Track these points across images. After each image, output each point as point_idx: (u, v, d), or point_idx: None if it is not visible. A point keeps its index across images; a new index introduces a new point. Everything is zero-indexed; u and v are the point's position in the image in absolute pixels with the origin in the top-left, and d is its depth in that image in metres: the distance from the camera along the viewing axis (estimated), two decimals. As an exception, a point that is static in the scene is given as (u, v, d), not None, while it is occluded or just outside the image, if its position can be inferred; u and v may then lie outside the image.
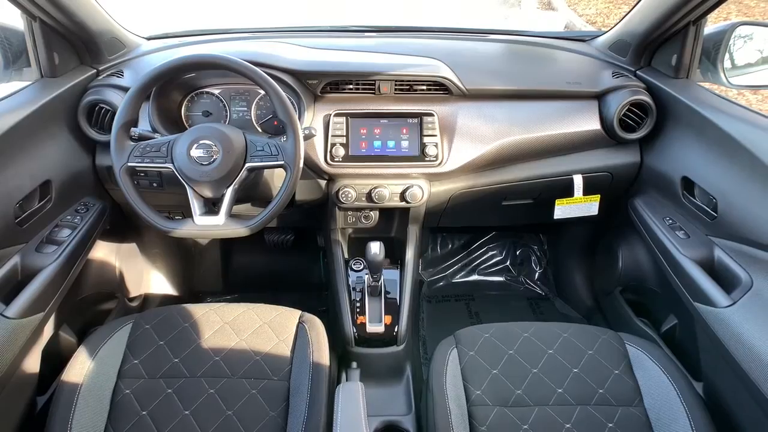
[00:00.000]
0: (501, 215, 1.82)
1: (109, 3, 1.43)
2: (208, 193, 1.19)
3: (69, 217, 1.32)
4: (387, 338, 1.45)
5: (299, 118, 1.35)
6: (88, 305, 1.52)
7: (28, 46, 1.31)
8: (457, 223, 1.99)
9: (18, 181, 1.15)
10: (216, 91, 1.46)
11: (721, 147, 1.19)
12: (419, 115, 1.41)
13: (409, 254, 1.57)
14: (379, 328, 1.44)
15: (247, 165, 1.18)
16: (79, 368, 1.11)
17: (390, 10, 5.79)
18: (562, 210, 1.56)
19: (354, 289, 1.52)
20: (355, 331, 1.44)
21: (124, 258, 1.67)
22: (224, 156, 1.15)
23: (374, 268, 1.40)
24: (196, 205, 1.20)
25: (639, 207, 1.45)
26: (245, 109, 1.46)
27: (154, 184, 1.40)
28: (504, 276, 2.25)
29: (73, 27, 1.32)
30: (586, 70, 1.54)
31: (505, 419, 1.05)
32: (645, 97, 1.40)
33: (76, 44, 1.40)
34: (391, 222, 1.67)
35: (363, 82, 1.44)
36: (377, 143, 1.41)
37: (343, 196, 1.43)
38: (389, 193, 1.43)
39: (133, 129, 1.20)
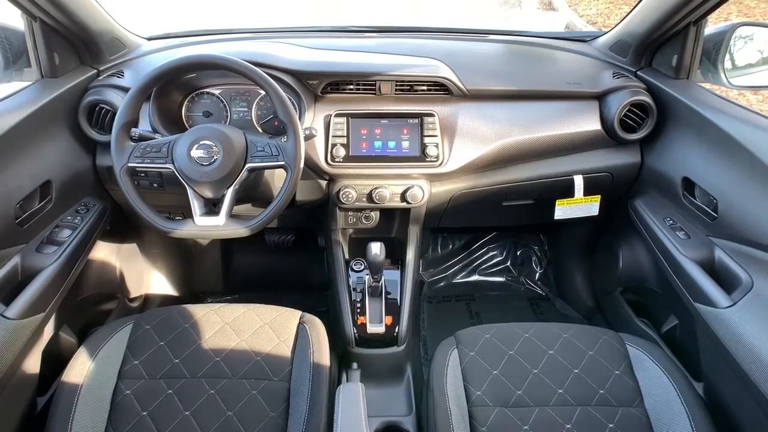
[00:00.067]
0: (501, 215, 1.82)
1: (109, 3, 1.43)
2: (208, 194, 1.19)
3: (69, 217, 1.32)
4: (387, 339, 1.45)
5: (300, 119, 1.35)
6: (89, 306, 1.52)
7: (28, 47, 1.31)
8: (458, 223, 1.99)
9: (18, 182, 1.15)
10: (216, 92, 1.46)
11: (722, 147, 1.19)
12: (420, 116, 1.41)
13: (410, 255, 1.57)
14: (380, 329, 1.44)
15: (247, 165, 1.18)
16: (80, 369, 1.11)
17: (390, 10, 5.79)
18: (563, 210, 1.56)
19: (354, 289, 1.52)
20: (355, 331, 1.44)
21: (124, 258, 1.67)
22: (225, 156, 1.15)
23: (375, 269, 1.40)
24: (196, 206, 1.20)
25: (639, 207, 1.45)
26: (246, 109, 1.46)
27: (155, 185, 1.40)
28: (504, 276, 2.25)
29: (73, 27, 1.32)
30: (587, 71, 1.54)
31: (505, 420, 1.05)
32: (645, 98, 1.40)
33: (76, 44, 1.40)
34: (392, 222, 1.67)
35: (363, 82, 1.44)
36: (378, 144, 1.41)
37: (343, 196, 1.42)
38: (390, 193, 1.43)
39: (133, 129, 1.20)
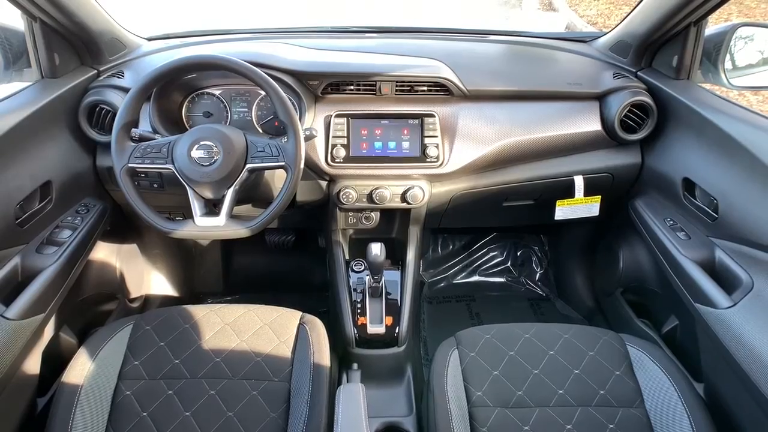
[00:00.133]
0: (502, 216, 1.82)
1: (109, 3, 1.43)
2: (208, 194, 1.19)
3: (69, 218, 1.32)
4: (388, 339, 1.45)
5: (300, 119, 1.35)
6: (89, 306, 1.52)
7: (28, 47, 1.31)
8: (458, 224, 1.99)
9: (18, 182, 1.15)
10: (217, 92, 1.46)
11: (722, 148, 1.19)
12: (420, 116, 1.41)
13: (410, 255, 1.57)
14: (380, 329, 1.44)
15: (247, 166, 1.18)
16: (80, 369, 1.11)
17: (390, 10, 5.79)
18: (563, 211, 1.56)
19: (355, 290, 1.52)
20: (355, 332, 1.44)
21: (124, 259, 1.67)
22: (225, 157, 1.15)
23: (375, 269, 1.40)
24: (196, 206, 1.20)
25: (640, 208, 1.45)
26: (246, 109, 1.46)
27: (155, 185, 1.40)
28: (505, 277, 2.25)
29: (73, 27, 1.32)
30: (587, 71, 1.54)
31: (506, 420, 1.05)
32: (646, 98, 1.40)
33: (76, 45, 1.40)
34: (392, 223, 1.67)
35: (364, 82, 1.44)
36: (378, 144, 1.41)
37: (344, 197, 1.42)
38: (390, 194, 1.43)
39: (133, 130, 1.20)
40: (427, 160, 1.40)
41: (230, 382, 1.11)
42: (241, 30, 1.78)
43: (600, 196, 1.55)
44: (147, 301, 1.82)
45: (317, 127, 1.39)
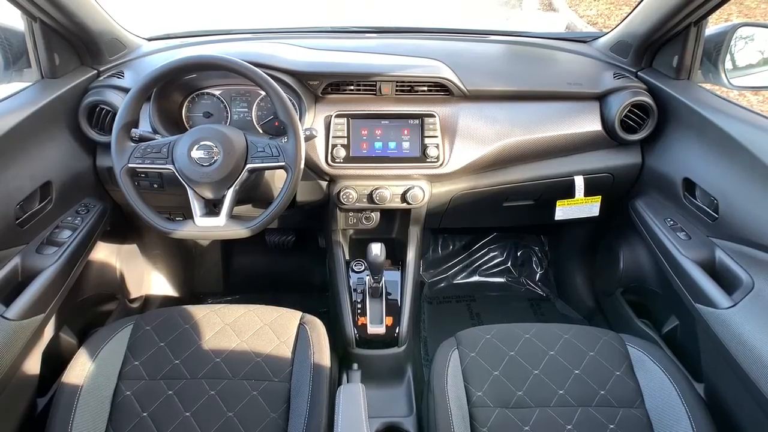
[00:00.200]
0: (502, 216, 1.82)
1: (109, 4, 1.43)
2: (208, 194, 1.19)
3: (69, 218, 1.32)
4: (388, 339, 1.45)
5: (300, 119, 1.35)
6: (89, 306, 1.52)
7: (28, 47, 1.31)
8: (458, 224, 1.99)
9: (18, 182, 1.15)
10: (217, 92, 1.46)
11: (722, 148, 1.19)
12: (420, 116, 1.41)
13: (410, 255, 1.57)
14: (380, 330, 1.44)
15: (247, 166, 1.18)
16: (80, 369, 1.11)
17: (390, 10, 5.79)
18: (563, 211, 1.56)
19: (355, 290, 1.52)
20: (356, 332, 1.44)
21: (124, 259, 1.67)
22: (225, 157, 1.15)
23: (375, 270, 1.40)
24: (196, 207, 1.20)
25: (640, 208, 1.45)
26: (246, 110, 1.46)
27: (155, 185, 1.40)
28: (505, 277, 2.25)
29: (73, 28, 1.32)
30: (587, 71, 1.54)
31: (506, 420, 1.05)
32: (646, 98, 1.40)
33: (76, 45, 1.40)
34: (392, 223, 1.67)
35: (364, 83, 1.44)
36: (378, 144, 1.41)
37: (344, 197, 1.42)
38: (390, 194, 1.43)
39: (133, 130, 1.19)
40: (428, 160, 1.40)
41: (230, 382, 1.11)
42: (241, 30, 1.78)
43: (600, 197, 1.55)
44: (147, 301, 1.82)
45: (317, 128, 1.39)
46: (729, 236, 1.15)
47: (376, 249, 1.31)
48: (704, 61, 1.40)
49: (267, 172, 1.38)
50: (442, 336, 1.28)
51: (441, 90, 1.45)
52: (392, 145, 1.41)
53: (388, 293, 1.50)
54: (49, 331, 1.25)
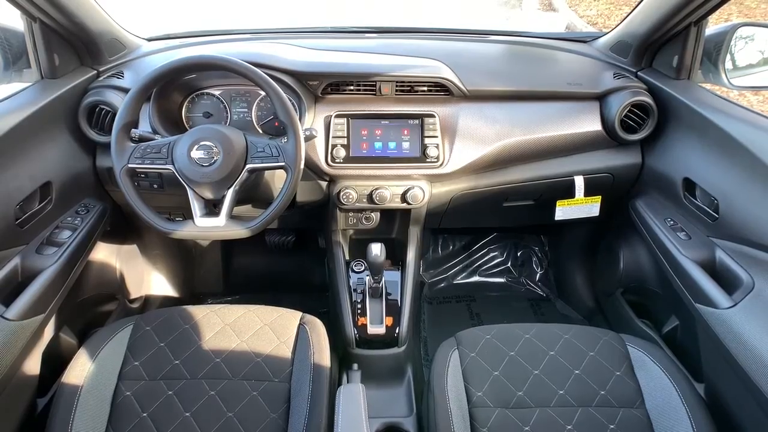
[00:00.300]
0: (502, 216, 1.82)
1: (109, 4, 1.43)
2: (208, 195, 1.19)
3: (69, 218, 1.32)
4: (388, 340, 1.45)
5: (300, 119, 1.35)
6: (89, 307, 1.52)
7: (28, 48, 1.31)
8: (458, 224, 1.99)
9: (18, 183, 1.15)
10: (217, 92, 1.46)
11: (722, 148, 1.19)
12: (420, 116, 1.40)
13: (410, 255, 1.57)
14: (380, 330, 1.43)
15: (247, 166, 1.18)
16: (80, 370, 1.11)
17: (390, 10, 5.79)
18: (563, 211, 1.56)
19: (355, 290, 1.52)
20: (356, 332, 1.44)
21: (124, 259, 1.67)
22: (225, 157, 1.15)
23: (375, 270, 1.40)
24: (196, 207, 1.19)
25: (640, 208, 1.45)
26: (246, 110, 1.46)
27: (155, 186, 1.40)
28: (505, 277, 2.25)
29: (73, 28, 1.32)
30: (587, 71, 1.54)
31: (506, 420, 1.05)
32: (646, 98, 1.40)
33: (76, 45, 1.40)
34: (392, 223, 1.67)
35: (364, 83, 1.43)
36: (378, 144, 1.41)
37: (344, 197, 1.42)
38: (390, 194, 1.43)
39: (133, 130, 1.19)
40: (427, 160, 1.40)
41: (230, 382, 1.11)
42: (241, 30, 1.78)
43: (600, 197, 1.55)
44: (147, 301, 1.82)
45: (317, 128, 1.39)
46: (729, 236, 1.15)
47: (376, 249, 1.31)
48: (704, 61, 1.40)
49: (267, 173, 1.38)
50: (442, 336, 1.27)
51: (441, 90, 1.44)
52: (392, 145, 1.41)
53: (388, 293, 1.50)
54: (49, 332, 1.25)
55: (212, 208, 1.23)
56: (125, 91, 1.38)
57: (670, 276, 1.25)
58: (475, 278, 2.25)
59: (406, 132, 1.41)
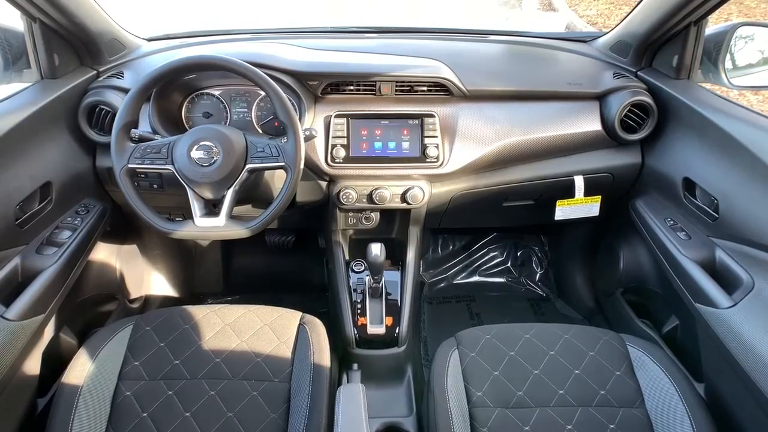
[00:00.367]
0: (502, 216, 1.82)
1: (109, 4, 1.43)
2: (208, 195, 1.19)
3: (69, 218, 1.32)
4: (388, 340, 1.45)
5: (300, 119, 1.35)
6: (89, 307, 1.52)
7: (28, 48, 1.31)
8: (458, 224, 1.99)
9: (18, 183, 1.15)
10: (216, 92, 1.46)
11: (722, 148, 1.19)
12: (420, 116, 1.40)
13: (410, 255, 1.57)
14: (380, 330, 1.44)
15: (247, 166, 1.18)
16: (80, 370, 1.11)
17: (390, 10, 5.79)
18: (563, 211, 1.56)
19: (355, 290, 1.52)
20: (356, 332, 1.44)
21: (124, 259, 1.67)
22: (225, 157, 1.15)
23: (375, 270, 1.40)
24: (196, 207, 1.19)
25: (640, 208, 1.45)
26: (246, 110, 1.46)
27: (155, 186, 1.40)
28: (505, 277, 2.25)
29: (73, 28, 1.32)
30: (587, 71, 1.54)
31: (506, 420, 1.05)
32: (646, 98, 1.40)
33: (76, 45, 1.40)
34: (392, 223, 1.67)
35: (363, 83, 1.43)
36: (378, 144, 1.41)
37: (344, 197, 1.42)
38: (390, 194, 1.43)
39: (133, 130, 1.19)
40: (427, 160, 1.40)
41: (230, 382, 1.11)
42: (241, 30, 1.78)
43: (600, 196, 1.55)
44: (147, 301, 1.82)
45: (317, 128, 1.39)
46: (729, 236, 1.15)
47: (376, 249, 1.31)
48: (704, 61, 1.40)
49: (267, 173, 1.38)
50: (442, 336, 1.28)
51: (441, 90, 1.44)
52: (392, 145, 1.41)
53: (388, 293, 1.50)
54: (49, 332, 1.25)
55: (212, 208, 1.23)
56: (125, 91, 1.38)
57: (670, 276, 1.25)
58: (475, 278, 2.25)
59: (405, 132, 1.41)
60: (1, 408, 1.05)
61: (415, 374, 1.50)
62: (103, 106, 1.36)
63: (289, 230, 2.13)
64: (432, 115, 1.40)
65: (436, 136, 1.40)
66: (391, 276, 1.55)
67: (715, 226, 1.19)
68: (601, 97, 1.47)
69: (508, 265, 2.27)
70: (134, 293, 1.74)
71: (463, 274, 2.26)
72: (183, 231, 1.19)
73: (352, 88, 1.44)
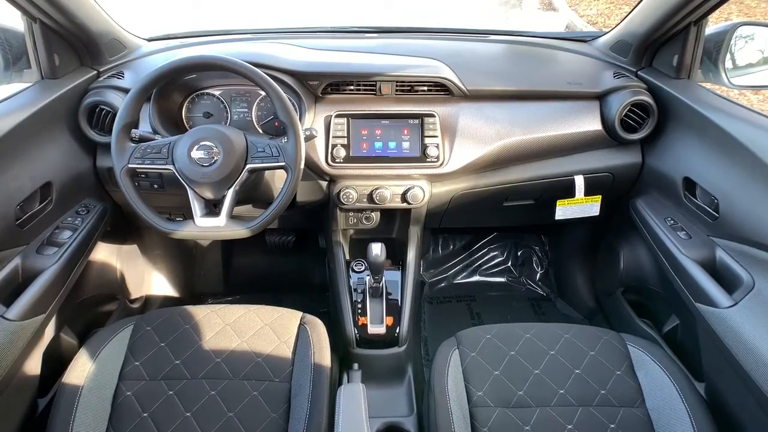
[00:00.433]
0: (502, 216, 1.82)
1: (109, 4, 1.43)
2: (208, 195, 1.19)
3: (70, 218, 1.32)
4: (388, 339, 1.45)
5: (300, 119, 1.35)
6: (89, 307, 1.52)
7: (28, 48, 1.31)
8: (459, 224, 1.99)
9: (18, 183, 1.15)
10: (217, 93, 1.46)
11: (723, 147, 1.19)
12: (420, 116, 1.41)
13: (411, 255, 1.57)
14: (381, 330, 1.44)
15: (247, 166, 1.18)
16: (81, 370, 1.11)
17: (390, 10, 5.79)
18: (564, 211, 1.56)
19: (355, 290, 1.52)
20: (356, 332, 1.44)
21: (125, 259, 1.67)
22: (225, 157, 1.15)
23: (375, 270, 1.40)
24: (196, 207, 1.20)
25: (640, 207, 1.45)
26: (246, 110, 1.46)
27: (155, 186, 1.40)
28: (505, 277, 2.25)
29: (73, 28, 1.32)
30: (588, 71, 1.54)
31: (506, 420, 1.05)
32: (646, 98, 1.40)
33: (76, 46, 1.40)
34: (393, 223, 1.67)
35: (364, 82, 1.44)
36: (378, 144, 1.41)
37: (344, 197, 1.42)
38: (390, 194, 1.43)
39: (133, 130, 1.20)
40: (428, 160, 1.40)
41: (231, 382, 1.11)
42: (241, 30, 1.78)
43: (600, 196, 1.55)
44: (147, 301, 1.82)
45: (317, 128, 1.39)
46: (729, 235, 1.15)
47: (377, 249, 1.31)
48: (704, 61, 1.40)
49: (267, 173, 1.38)
50: (442, 336, 1.28)
51: (441, 90, 1.44)
52: (392, 145, 1.41)
53: (388, 293, 1.50)
54: (49, 332, 1.25)
55: (212, 208, 1.23)
56: (125, 91, 1.38)
57: (670, 275, 1.25)
58: (476, 278, 2.25)
59: (406, 132, 1.41)
60: (2, 408, 1.05)
61: (416, 374, 1.50)
62: (103, 106, 1.36)
63: (290, 230, 2.13)
64: (432, 115, 1.40)
65: (436, 136, 1.40)
66: (391, 276, 1.55)
67: (716, 225, 1.19)
68: (601, 97, 1.47)
69: (509, 264, 2.27)
70: (135, 293, 1.74)
71: (464, 274, 2.26)
72: (183, 231, 1.19)
73: (352, 88, 1.44)
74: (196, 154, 1.15)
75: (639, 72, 1.51)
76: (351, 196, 1.42)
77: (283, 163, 1.17)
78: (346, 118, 1.40)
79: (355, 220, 1.61)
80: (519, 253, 2.26)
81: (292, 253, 2.20)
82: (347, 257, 1.61)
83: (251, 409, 1.07)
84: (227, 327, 1.22)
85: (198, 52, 1.52)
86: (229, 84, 1.45)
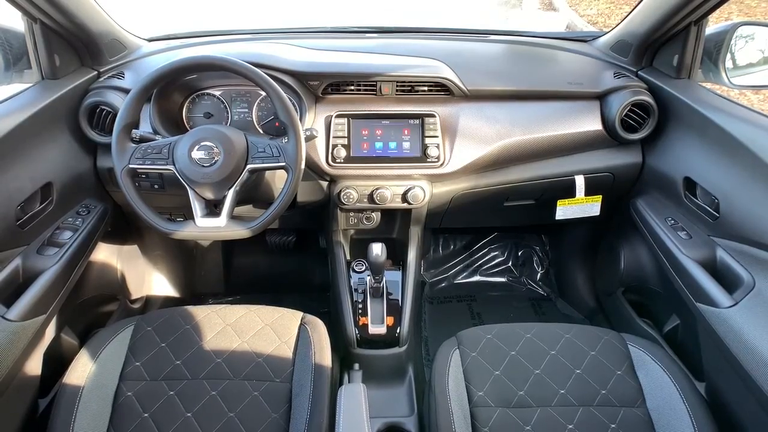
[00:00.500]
0: (503, 216, 1.82)
1: (109, 4, 1.43)
2: (209, 195, 1.19)
3: (70, 219, 1.32)
4: (389, 339, 1.45)
5: (300, 120, 1.35)
6: (90, 307, 1.52)
7: (28, 48, 1.31)
8: (459, 224, 1.99)
9: (19, 184, 1.16)
10: (217, 93, 1.46)
11: (723, 147, 1.19)
12: (421, 116, 1.41)
13: (411, 255, 1.57)
14: (381, 330, 1.44)
15: (248, 166, 1.18)
16: (81, 370, 1.11)
17: (390, 10, 5.79)
18: (564, 210, 1.56)
19: (356, 290, 1.52)
20: (357, 332, 1.44)
21: (125, 260, 1.67)
22: (225, 157, 1.15)
23: (376, 270, 1.40)
24: (197, 207, 1.19)
25: (641, 207, 1.45)
26: (246, 110, 1.46)
27: (156, 186, 1.40)
28: (506, 277, 2.25)
29: (73, 29, 1.32)
30: (588, 71, 1.54)
31: (507, 420, 1.05)
32: (646, 98, 1.40)
33: (76, 46, 1.40)
34: (393, 223, 1.67)
35: (364, 83, 1.44)
36: (379, 144, 1.41)
37: (344, 197, 1.42)
38: (391, 194, 1.43)
39: (134, 131, 1.20)
40: (428, 160, 1.40)
41: (231, 382, 1.11)
42: (242, 31, 1.78)
43: (601, 196, 1.55)
44: (148, 302, 1.82)
45: (318, 128, 1.39)
46: (730, 235, 1.15)
47: (377, 249, 1.31)
48: (704, 60, 1.40)
49: (267, 173, 1.38)
50: (443, 336, 1.28)
51: (441, 90, 1.45)
52: (393, 145, 1.41)
53: (389, 293, 1.50)
54: (50, 332, 1.26)
55: (213, 208, 1.23)
56: (126, 91, 1.38)
57: (670, 275, 1.25)
58: (476, 278, 2.25)
59: (406, 132, 1.41)
60: (3, 408, 1.05)
61: (417, 374, 1.50)
62: (103, 107, 1.36)
63: (290, 230, 2.13)
64: (433, 115, 1.40)
65: (436, 136, 1.40)
66: (392, 276, 1.55)
67: (716, 225, 1.19)
68: (601, 97, 1.47)
69: (509, 264, 2.27)
70: (135, 294, 1.74)
71: (464, 274, 2.26)
72: (184, 231, 1.19)
73: (352, 88, 1.44)
74: (197, 154, 1.15)
75: (639, 72, 1.51)
76: (351, 196, 1.42)
77: (284, 164, 1.17)
78: (346, 118, 1.40)
79: (355, 221, 1.61)
80: (519, 253, 2.26)
81: (293, 254, 2.20)
82: (348, 257, 1.61)
83: (252, 410, 1.07)
84: (228, 327, 1.23)
85: (198, 52, 1.52)
86: (229, 84, 1.45)
